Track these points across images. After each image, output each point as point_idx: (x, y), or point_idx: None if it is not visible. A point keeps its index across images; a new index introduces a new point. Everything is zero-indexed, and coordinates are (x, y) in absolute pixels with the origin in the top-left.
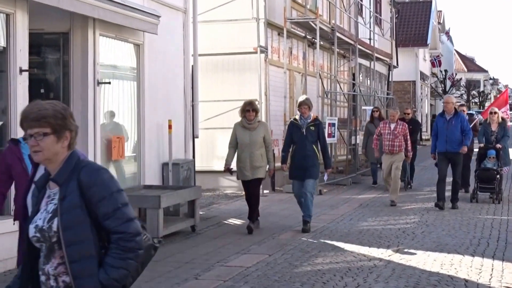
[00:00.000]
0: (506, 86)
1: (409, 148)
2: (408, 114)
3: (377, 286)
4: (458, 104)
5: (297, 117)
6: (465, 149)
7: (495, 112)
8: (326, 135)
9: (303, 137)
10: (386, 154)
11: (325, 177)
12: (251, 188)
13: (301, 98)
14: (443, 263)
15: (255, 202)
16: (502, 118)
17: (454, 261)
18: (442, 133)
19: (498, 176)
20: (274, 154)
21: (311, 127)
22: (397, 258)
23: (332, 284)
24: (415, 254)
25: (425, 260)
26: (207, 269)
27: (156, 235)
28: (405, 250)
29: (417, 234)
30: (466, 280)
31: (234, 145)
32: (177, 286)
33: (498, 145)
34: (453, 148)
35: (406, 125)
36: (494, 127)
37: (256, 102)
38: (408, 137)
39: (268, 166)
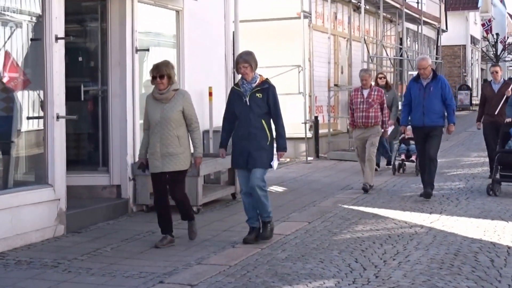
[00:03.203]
0: None
1: (387, 119)
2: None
3: (417, 254)
4: (491, 65)
5: (239, 81)
6: (452, 128)
7: None
8: None
9: (246, 109)
10: (358, 128)
11: (274, 163)
12: (169, 187)
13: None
14: (486, 229)
15: (181, 207)
16: None
17: (498, 227)
18: (417, 103)
19: None
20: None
21: (257, 94)
22: (439, 224)
23: (371, 252)
24: (458, 220)
25: (468, 227)
26: None
27: (195, 203)
28: (448, 216)
29: (461, 201)
30: (509, 247)
31: (149, 125)
32: (213, 255)
33: None
34: (432, 122)
35: (382, 92)
36: None
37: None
38: (385, 105)
39: (194, 153)
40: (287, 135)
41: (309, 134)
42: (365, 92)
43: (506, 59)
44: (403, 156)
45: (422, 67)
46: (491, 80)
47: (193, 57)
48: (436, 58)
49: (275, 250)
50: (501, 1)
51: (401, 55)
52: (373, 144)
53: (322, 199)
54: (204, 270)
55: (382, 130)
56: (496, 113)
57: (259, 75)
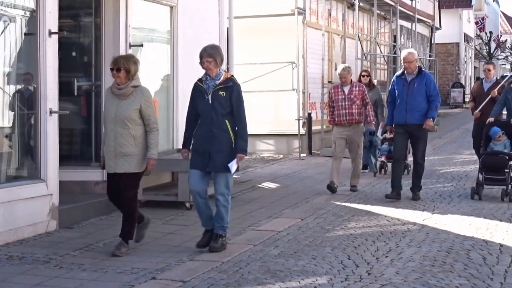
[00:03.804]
0: None
1: (370, 113)
2: None
3: (409, 251)
4: (485, 63)
5: (203, 77)
6: (429, 123)
7: None
8: None
9: (208, 107)
10: (341, 126)
11: (232, 166)
12: (121, 187)
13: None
14: (479, 227)
15: (125, 210)
16: None
17: (490, 225)
18: (401, 99)
19: (511, 162)
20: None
21: (220, 92)
22: (431, 222)
23: (363, 249)
24: (451, 218)
25: (460, 225)
26: (237, 233)
27: (187, 199)
28: (441, 214)
29: (453, 198)
30: (501, 245)
31: None
32: (206, 251)
33: None
34: (415, 119)
35: (364, 87)
36: None
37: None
38: (368, 101)
39: (147, 154)
40: (281, 131)
41: (302, 131)
42: (346, 89)
43: (499, 57)
44: (383, 158)
45: (407, 61)
46: (483, 78)
47: (187, 52)
48: (430, 56)
49: (268, 247)
50: (494, 0)
51: (394, 53)
52: (359, 146)
53: (315, 196)
54: (196, 266)
55: (368, 125)
56: (478, 110)
57: (224, 71)
